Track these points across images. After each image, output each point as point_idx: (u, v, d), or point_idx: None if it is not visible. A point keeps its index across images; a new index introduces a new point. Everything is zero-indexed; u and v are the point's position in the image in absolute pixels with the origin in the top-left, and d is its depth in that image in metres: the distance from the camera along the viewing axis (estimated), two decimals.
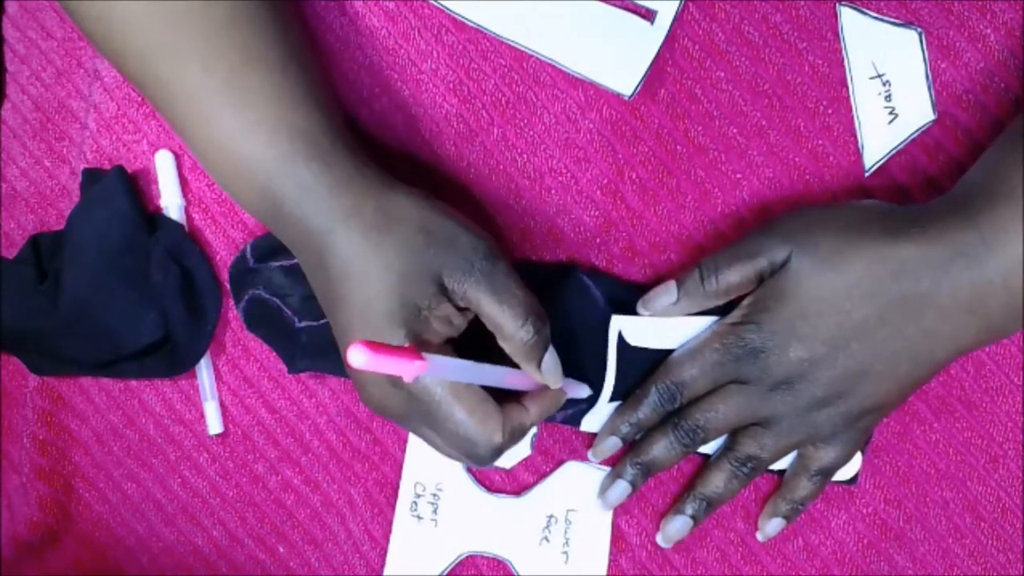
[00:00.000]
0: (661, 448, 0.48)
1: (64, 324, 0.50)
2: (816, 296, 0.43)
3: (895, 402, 0.46)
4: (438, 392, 0.41)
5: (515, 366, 0.43)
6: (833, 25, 0.48)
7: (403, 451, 0.52)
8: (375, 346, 0.32)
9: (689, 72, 0.48)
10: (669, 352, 0.48)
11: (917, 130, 0.48)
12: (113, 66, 0.46)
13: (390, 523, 0.52)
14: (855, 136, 0.48)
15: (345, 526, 0.53)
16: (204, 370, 0.53)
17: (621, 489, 0.49)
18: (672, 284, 0.47)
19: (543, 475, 0.51)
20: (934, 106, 0.48)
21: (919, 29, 0.47)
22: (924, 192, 0.49)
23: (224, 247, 0.52)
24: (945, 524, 0.50)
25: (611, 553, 0.51)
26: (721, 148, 0.49)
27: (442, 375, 0.40)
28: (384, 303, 0.41)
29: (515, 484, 0.52)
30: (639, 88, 0.47)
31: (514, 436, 0.43)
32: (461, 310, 0.43)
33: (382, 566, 0.52)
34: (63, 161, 0.54)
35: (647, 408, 0.47)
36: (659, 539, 0.50)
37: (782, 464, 0.49)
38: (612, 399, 0.49)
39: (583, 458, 0.51)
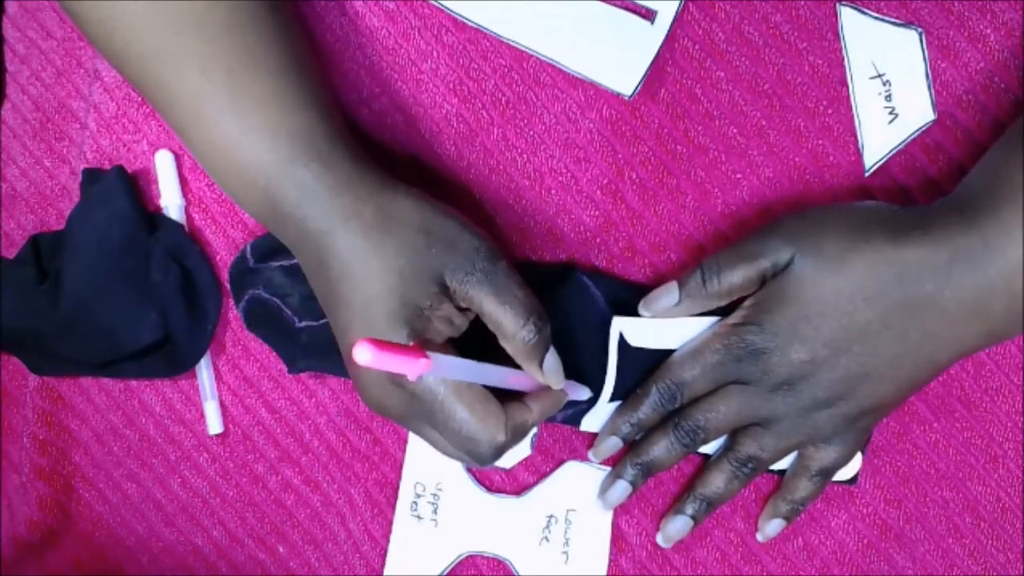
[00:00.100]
0: (661, 448, 0.48)
1: (64, 324, 0.50)
2: (819, 298, 0.43)
3: (895, 403, 0.46)
4: (440, 391, 0.41)
5: (516, 367, 0.43)
6: (833, 25, 0.48)
7: (403, 451, 0.52)
8: (381, 344, 0.33)
9: (689, 72, 0.48)
10: (670, 352, 0.48)
11: (917, 130, 0.48)
12: (113, 68, 0.46)
13: (390, 523, 0.52)
14: (855, 136, 0.48)
15: (345, 526, 0.53)
16: (204, 370, 0.53)
17: (621, 489, 0.49)
18: (674, 285, 0.47)
19: (543, 475, 0.51)
20: (934, 106, 0.48)
21: (919, 29, 0.47)
22: (924, 192, 0.49)
23: (224, 247, 0.52)
24: (945, 524, 0.51)
25: (611, 553, 0.51)
26: (721, 148, 0.49)
27: (445, 374, 0.40)
28: (385, 303, 0.41)
29: (515, 484, 0.52)
30: (639, 88, 0.47)
31: (516, 435, 0.43)
32: (462, 310, 0.43)
33: (382, 566, 0.52)
34: (63, 161, 0.54)
35: (648, 408, 0.47)
36: (659, 539, 0.50)
37: (782, 464, 0.49)
38: (612, 399, 0.49)
39: (583, 458, 0.51)
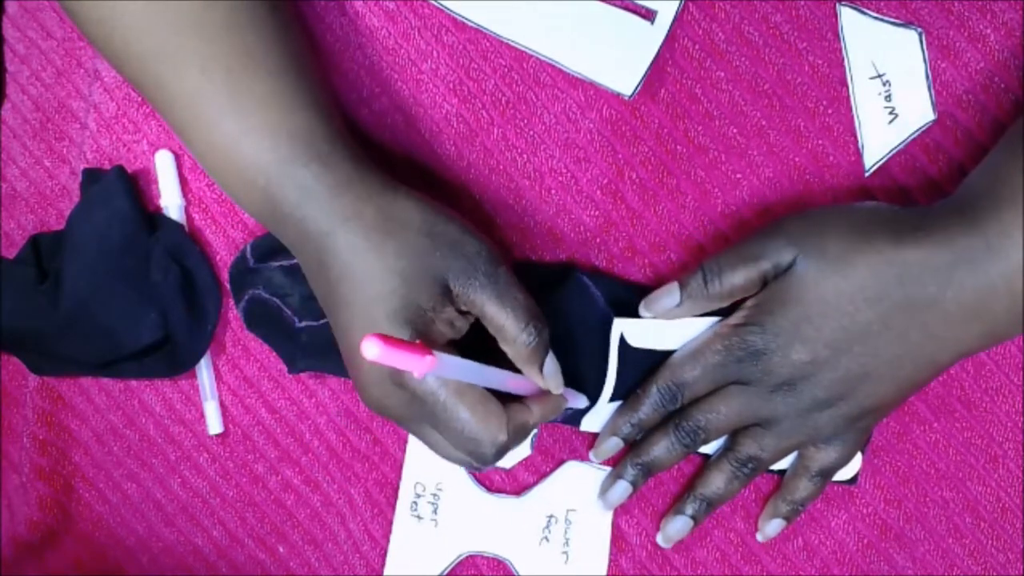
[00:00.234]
0: (662, 448, 0.48)
1: (64, 324, 0.50)
2: (820, 299, 0.43)
3: (896, 403, 0.46)
4: (442, 392, 0.41)
5: (515, 371, 0.43)
6: (833, 25, 0.48)
7: (403, 451, 0.52)
8: (388, 339, 0.33)
9: (689, 72, 0.48)
10: (670, 353, 0.48)
11: (917, 130, 0.48)
12: (113, 68, 0.46)
13: (390, 523, 0.52)
14: (855, 136, 0.48)
15: (345, 526, 0.53)
16: (204, 370, 0.53)
17: (622, 489, 0.49)
18: (675, 286, 0.46)
19: (543, 475, 0.51)
20: (934, 106, 0.48)
21: (919, 29, 0.47)
22: (924, 192, 0.49)
23: (224, 247, 0.52)
24: (945, 524, 0.51)
25: (611, 553, 0.51)
26: (721, 148, 0.49)
27: (448, 374, 0.40)
28: (387, 304, 0.41)
29: (515, 484, 0.52)
30: (639, 88, 0.47)
31: (518, 435, 0.43)
32: (463, 313, 0.43)
33: (382, 566, 0.52)
34: (63, 161, 0.54)
35: (648, 408, 0.47)
36: (659, 539, 0.50)
37: (782, 464, 0.49)
38: (613, 399, 0.49)
39: (583, 458, 0.51)
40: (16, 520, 0.55)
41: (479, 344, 0.44)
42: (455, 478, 0.52)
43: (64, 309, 0.50)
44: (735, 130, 0.49)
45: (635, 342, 0.48)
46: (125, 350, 0.51)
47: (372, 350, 0.32)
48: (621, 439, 0.49)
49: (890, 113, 0.48)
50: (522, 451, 0.50)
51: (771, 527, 0.50)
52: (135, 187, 0.52)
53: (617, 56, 0.47)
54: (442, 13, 0.49)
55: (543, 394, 0.45)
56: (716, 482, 0.48)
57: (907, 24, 0.47)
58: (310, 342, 0.50)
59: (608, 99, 0.49)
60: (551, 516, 0.51)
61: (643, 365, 0.48)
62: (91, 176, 0.52)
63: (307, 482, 0.53)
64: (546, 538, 0.51)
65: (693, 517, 0.49)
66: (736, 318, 0.46)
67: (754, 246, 0.45)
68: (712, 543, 0.51)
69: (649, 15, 0.47)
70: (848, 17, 0.48)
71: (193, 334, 0.51)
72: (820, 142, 0.49)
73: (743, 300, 0.46)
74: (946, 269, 0.42)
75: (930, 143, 0.48)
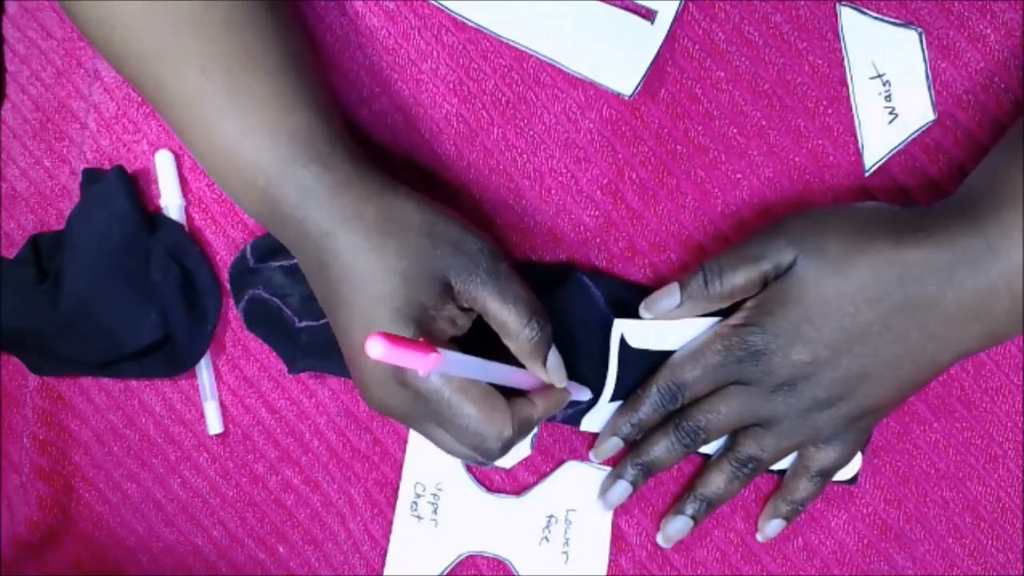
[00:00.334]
0: (662, 448, 0.48)
1: (64, 324, 0.50)
2: (821, 299, 0.43)
3: (896, 403, 0.46)
4: (446, 389, 0.41)
5: (519, 367, 0.43)
6: (833, 25, 0.48)
7: (403, 451, 0.52)
8: (393, 338, 0.33)
9: (689, 72, 0.48)
10: (671, 353, 0.48)
11: (917, 130, 0.48)
12: (113, 68, 0.46)
13: (390, 523, 0.52)
14: (855, 136, 0.48)
15: (345, 526, 0.53)
16: (204, 370, 0.53)
17: (622, 489, 0.49)
18: (675, 286, 0.46)
19: (543, 475, 0.51)
20: (934, 106, 0.48)
21: (919, 29, 0.47)
22: (924, 192, 0.49)
23: (224, 247, 0.52)
24: (945, 524, 0.51)
25: (611, 553, 0.51)
26: (721, 148, 0.49)
27: (453, 371, 0.40)
28: (390, 303, 0.41)
29: (515, 484, 0.52)
30: (639, 88, 0.47)
31: (522, 429, 0.43)
32: (465, 310, 0.43)
33: (382, 566, 0.52)
34: (63, 161, 0.54)
35: (648, 408, 0.47)
36: (659, 539, 0.50)
37: (782, 464, 0.49)
38: (613, 399, 0.49)
39: (583, 458, 0.51)
40: (16, 520, 0.55)
41: (481, 340, 0.44)
42: (455, 478, 0.52)
43: (64, 309, 0.50)
44: (735, 130, 0.49)
45: (635, 343, 0.48)
46: (125, 350, 0.50)
47: (377, 349, 0.32)
48: (621, 439, 0.49)
49: (890, 113, 0.48)
50: (522, 451, 0.50)
51: (771, 527, 0.50)
52: (135, 187, 0.52)
53: (617, 56, 0.47)
54: (442, 13, 0.49)
55: (547, 388, 0.45)
56: (716, 482, 0.48)
57: (907, 24, 0.47)
58: (310, 342, 0.50)
59: (608, 99, 0.49)
60: (551, 516, 0.51)
61: (643, 365, 0.48)
62: (91, 176, 0.52)
63: (307, 482, 0.53)
64: (546, 538, 0.51)
65: (693, 517, 0.49)
66: (736, 318, 0.46)
67: (754, 247, 0.45)
68: (712, 543, 0.51)
69: (649, 15, 0.47)
70: (848, 17, 0.48)
71: (193, 334, 0.51)
72: (820, 142, 0.49)
73: (743, 300, 0.46)
74: (947, 269, 0.42)
75: (930, 143, 0.48)
